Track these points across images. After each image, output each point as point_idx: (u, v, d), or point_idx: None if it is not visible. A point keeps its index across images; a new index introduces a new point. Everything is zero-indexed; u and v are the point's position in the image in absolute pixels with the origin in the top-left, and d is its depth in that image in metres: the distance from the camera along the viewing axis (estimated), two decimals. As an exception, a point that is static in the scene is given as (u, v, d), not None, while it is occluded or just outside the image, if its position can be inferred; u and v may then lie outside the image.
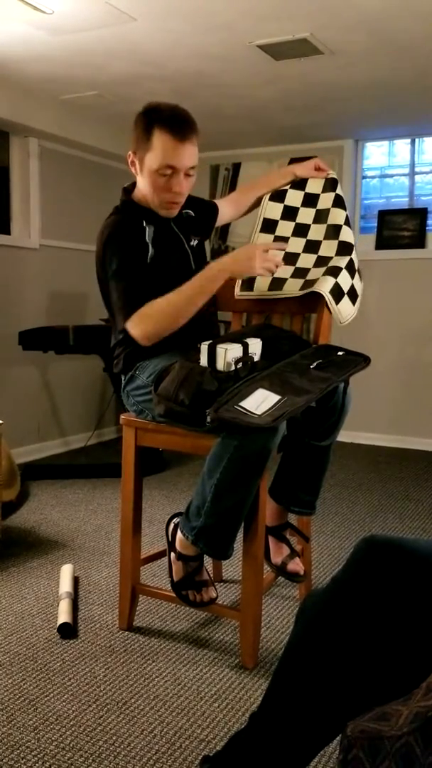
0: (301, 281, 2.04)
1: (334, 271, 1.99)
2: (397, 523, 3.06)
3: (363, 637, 1.01)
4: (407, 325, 4.57)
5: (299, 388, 1.69)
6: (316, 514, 2.11)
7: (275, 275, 2.09)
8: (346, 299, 2.00)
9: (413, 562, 1.01)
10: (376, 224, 4.66)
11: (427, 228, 4.51)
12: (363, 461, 4.23)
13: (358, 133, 4.53)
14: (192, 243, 2.05)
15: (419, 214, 4.53)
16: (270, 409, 1.62)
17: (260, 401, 1.63)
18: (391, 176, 4.71)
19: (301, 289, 2.01)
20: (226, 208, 2.23)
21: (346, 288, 2.00)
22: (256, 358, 1.82)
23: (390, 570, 1.01)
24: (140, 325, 1.82)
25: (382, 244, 4.62)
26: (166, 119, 1.85)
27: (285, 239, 2.15)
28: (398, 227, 4.58)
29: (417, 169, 4.60)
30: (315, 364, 1.80)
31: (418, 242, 4.52)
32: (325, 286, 1.95)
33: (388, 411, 4.65)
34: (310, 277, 2.03)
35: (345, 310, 2.00)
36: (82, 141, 4.24)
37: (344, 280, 2.00)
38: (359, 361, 1.85)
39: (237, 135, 4.56)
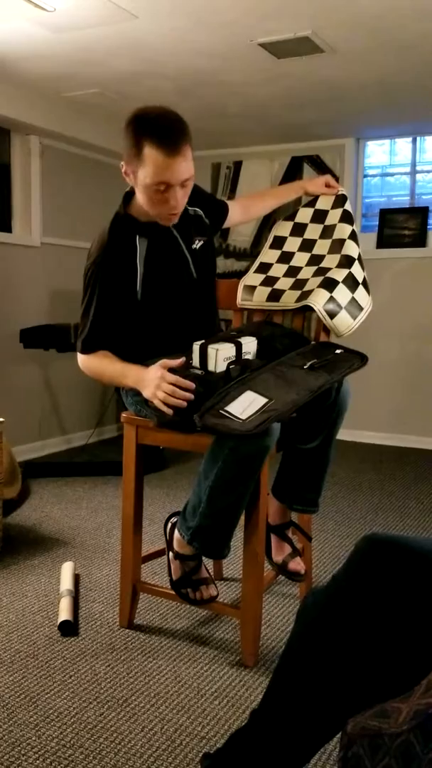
0: (298, 293, 2.06)
1: (330, 284, 2.00)
2: (397, 521, 3.06)
3: (363, 634, 1.02)
4: (408, 324, 4.57)
5: (289, 390, 1.68)
6: (317, 513, 2.11)
7: (274, 286, 2.11)
8: (344, 313, 2.00)
9: (414, 560, 1.02)
10: (377, 223, 4.66)
11: (428, 227, 4.51)
12: (364, 460, 4.23)
13: (360, 132, 4.53)
14: (194, 246, 1.97)
15: (420, 212, 4.52)
16: (255, 413, 1.60)
17: (246, 404, 1.61)
18: (393, 175, 4.71)
19: (297, 300, 2.04)
20: (236, 212, 2.20)
21: (344, 302, 2.00)
22: (251, 357, 1.82)
23: (391, 568, 1.02)
24: (85, 364, 1.94)
25: (383, 242, 4.62)
26: (155, 132, 1.70)
27: (291, 254, 2.16)
28: (399, 226, 4.58)
29: (418, 168, 4.60)
30: (308, 364, 1.78)
31: (419, 241, 4.51)
32: (318, 300, 1.96)
33: (389, 409, 4.65)
34: (306, 288, 2.05)
35: (342, 323, 2.00)
36: (84, 139, 4.24)
37: (342, 294, 2.00)
38: (356, 360, 1.83)
39: (238, 133, 4.55)
